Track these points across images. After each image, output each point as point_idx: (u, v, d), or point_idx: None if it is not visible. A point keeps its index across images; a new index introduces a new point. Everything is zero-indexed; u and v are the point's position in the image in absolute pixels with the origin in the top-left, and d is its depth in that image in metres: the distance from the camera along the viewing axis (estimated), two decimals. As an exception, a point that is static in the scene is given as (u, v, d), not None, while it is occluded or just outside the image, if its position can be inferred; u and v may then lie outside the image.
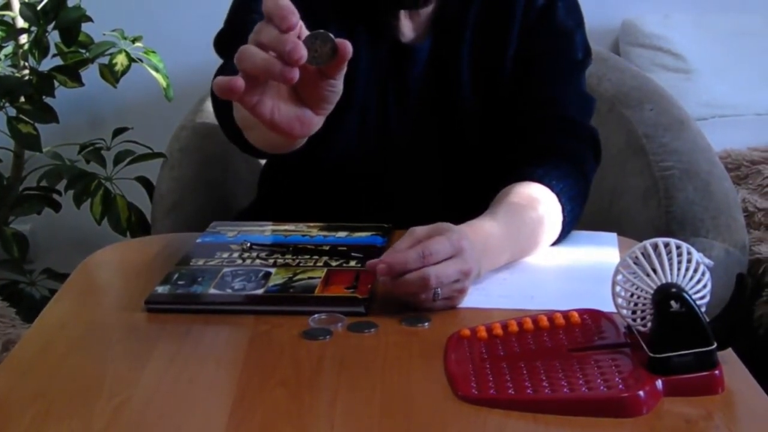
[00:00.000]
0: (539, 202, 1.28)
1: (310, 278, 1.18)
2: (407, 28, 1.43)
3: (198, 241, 1.32)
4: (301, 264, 1.22)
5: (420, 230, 1.12)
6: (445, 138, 1.45)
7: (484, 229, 1.19)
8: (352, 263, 1.21)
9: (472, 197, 1.39)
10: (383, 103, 1.44)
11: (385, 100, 1.44)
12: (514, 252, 1.23)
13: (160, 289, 1.16)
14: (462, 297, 1.12)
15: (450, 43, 1.43)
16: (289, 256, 1.24)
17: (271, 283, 1.17)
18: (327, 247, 1.27)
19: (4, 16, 2.35)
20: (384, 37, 1.42)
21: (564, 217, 1.30)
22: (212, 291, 1.16)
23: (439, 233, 1.10)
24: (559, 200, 1.30)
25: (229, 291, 1.15)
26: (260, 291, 1.15)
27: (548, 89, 1.41)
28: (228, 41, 1.40)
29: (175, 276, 1.19)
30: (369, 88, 1.43)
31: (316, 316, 1.09)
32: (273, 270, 1.20)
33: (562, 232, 1.31)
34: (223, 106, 1.27)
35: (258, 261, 1.23)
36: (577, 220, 1.34)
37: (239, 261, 1.24)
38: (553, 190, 1.30)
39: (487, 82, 1.43)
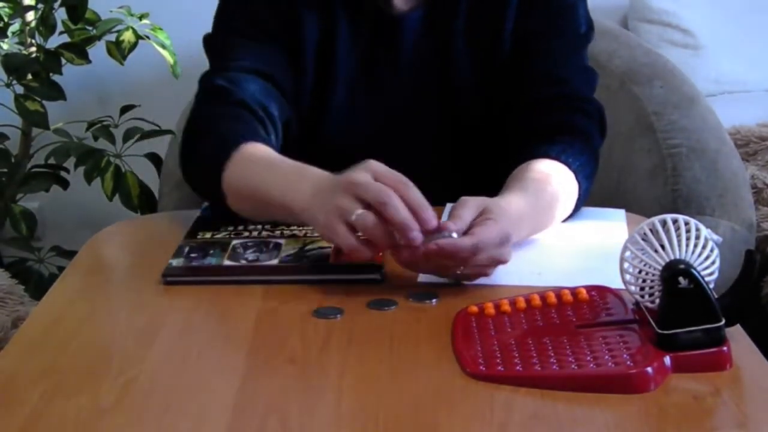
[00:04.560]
0: (558, 179, 1.27)
1: (320, 248, 1.18)
2: (400, 0, 1.41)
3: (201, 214, 1.31)
4: (308, 234, 1.22)
5: (469, 209, 1.11)
6: (442, 112, 1.43)
7: (518, 205, 1.18)
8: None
9: (473, 172, 1.38)
10: (373, 77, 1.43)
11: (374, 73, 1.43)
12: (533, 228, 1.22)
13: (175, 262, 1.16)
14: (480, 277, 1.12)
15: (443, 14, 1.41)
16: (296, 227, 1.24)
17: (283, 254, 1.17)
18: None
19: (10, -7, 2.35)
20: (366, 8, 1.41)
21: (579, 195, 1.30)
22: (226, 263, 1.16)
23: (488, 216, 1.09)
24: (576, 178, 1.29)
25: (243, 262, 1.16)
26: (275, 261, 1.16)
27: (554, 65, 1.40)
28: (214, 52, 1.43)
29: (186, 249, 1.20)
30: (353, 64, 1.42)
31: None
32: (283, 241, 1.20)
33: (573, 209, 1.31)
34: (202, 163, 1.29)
35: (264, 233, 1.23)
36: (587, 197, 1.34)
37: (246, 233, 1.24)
38: (570, 168, 1.29)
39: (484, 55, 1.41)
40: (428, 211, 1.06)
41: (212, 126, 1.32)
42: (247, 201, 1.23)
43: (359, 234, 1.06)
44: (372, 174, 1.08)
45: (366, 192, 1.06)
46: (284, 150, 1.38)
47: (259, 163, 1.23)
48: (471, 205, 1.11)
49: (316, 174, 1.16)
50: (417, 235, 1.05)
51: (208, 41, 1.44)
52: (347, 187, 1.08)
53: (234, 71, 1.37)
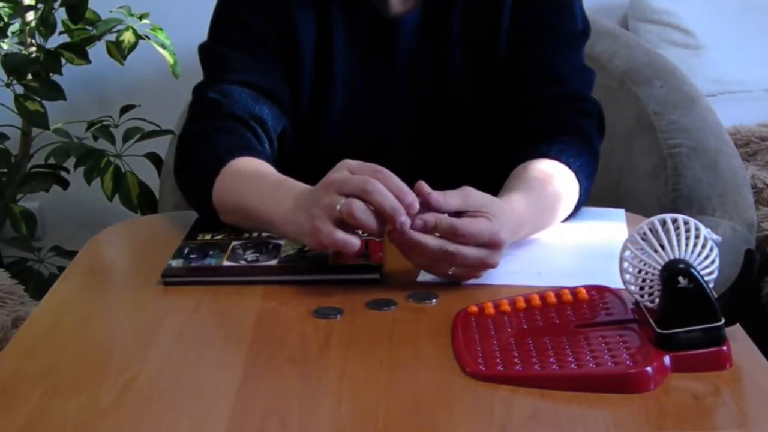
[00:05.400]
0: (559, 179, 1.27)
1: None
2: (396, 0, 1.41)
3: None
4: None
5: (472, 198, 1.10)
6: (440, 113, 1.43)
7: (520, 206, 1.18)
8: (359, 231, 1.21)
9: (473, 173, 1.38)
10: (370, 79, 1.43)
11: (372, 75, 1.43)
12: (533, 228, 1.22)
13: (174, 263, 1.16)
14: (469, 278, 1.12)
15: (439, 14, 1.41)
16: None
17: (283, 254, 1.17)
18: None
19: (10, -7, 2.35)
20: (362, 9, 1.40)
21: (579, 195, 1.30)
22: (226, 263, 1.16)
23: (485, 215, 1.09)
24: (577, 177, 1.29)
25: (243, 263, 1.16)
26: (274, 262, 1.16)
27: (551, 65, 1.39)
28: (208, 64, 1.43)
29: (186, 250, 1.20)
30: (350, 66, 1.42)
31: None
32: (282, 242, 1.20)
33: (574, 209, 1.31)
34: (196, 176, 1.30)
35: (264, 234, 1.23)
36: (587, 197, 1.34)
37: (246, 234, 1.24)
38: (571, 168, 1.29)
39: (481, 55, 1.41)
40: (409, 196, 1.06)
41: (204, 141, 1.32)
42: (235, 215, 1.24)
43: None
44: (347, 170, 1.08)
45: (347, 185, 1.06)
46: (283, 156, 1.39)
47: (245, 178, 1.24)
48: (470, 194, 1.11)
49: (297, 187, 1.17)
50: (406, 220, 1.05)
51: (203, 51, 1.44)
52: (327, 186, 1.07)
53: (227, 84, 1.37)
